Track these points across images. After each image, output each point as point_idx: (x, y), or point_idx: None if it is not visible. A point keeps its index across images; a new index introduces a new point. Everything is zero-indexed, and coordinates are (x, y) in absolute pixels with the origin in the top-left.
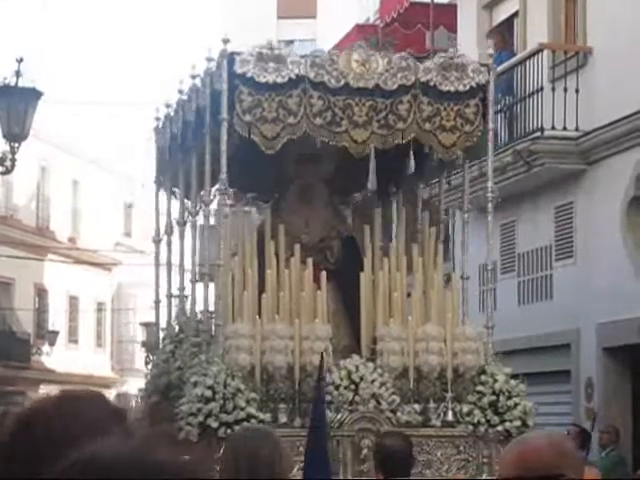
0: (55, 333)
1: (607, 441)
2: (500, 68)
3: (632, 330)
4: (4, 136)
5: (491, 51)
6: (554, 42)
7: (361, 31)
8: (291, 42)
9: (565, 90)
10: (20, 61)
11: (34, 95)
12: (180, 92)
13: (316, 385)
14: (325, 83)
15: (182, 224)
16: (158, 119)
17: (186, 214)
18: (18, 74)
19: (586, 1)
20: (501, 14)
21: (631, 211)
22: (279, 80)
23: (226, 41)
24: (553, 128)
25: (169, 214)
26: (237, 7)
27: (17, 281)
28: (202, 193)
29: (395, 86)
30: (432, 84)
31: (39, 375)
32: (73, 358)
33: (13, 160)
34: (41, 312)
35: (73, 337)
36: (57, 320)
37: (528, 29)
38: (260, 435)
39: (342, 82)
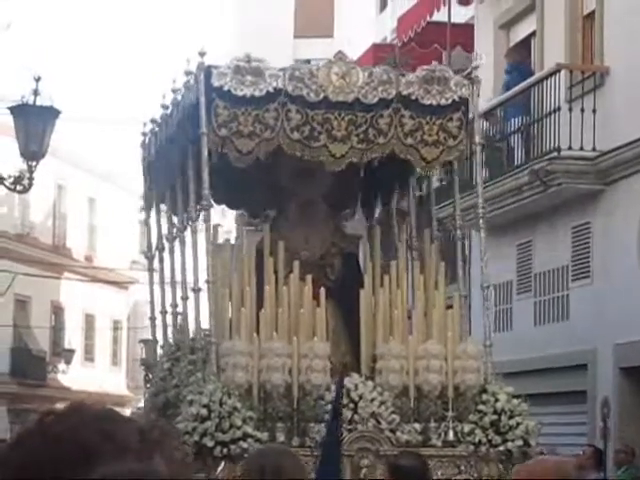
0: (71, 351)
1: (623, 460)
2: (517, 88)
3: None
4: (22, 154)
5: (476, 62)
6: (571, 62)
7: (378, 50)
8: (308, 61)
9: (582, 110)
10: (38, 80)
11: (52, 114)
12: (163, 107)
13: (334, 404)
14: (304, 97)
15: (171, 240)
16: (145, 134)
17: (174, 230)
18: (36, 93)
19: (603, 21)
20: (518, 34)
21: None
22: (256, 93)
23: (203, 54)
24: (570, 148)
25: (159, 230)
26: (254, 27)
27: (34, 299)
28: (188, 209)
29: (375, 100)
30: (414, 97)
31: (55, 393)
32: (89, 376)
33: (31, 179)
34: (57, 330)
35: (89, 355)
36: (73, 338)
37: (545, 49)
38: (281, 450)
39: (321, 96)
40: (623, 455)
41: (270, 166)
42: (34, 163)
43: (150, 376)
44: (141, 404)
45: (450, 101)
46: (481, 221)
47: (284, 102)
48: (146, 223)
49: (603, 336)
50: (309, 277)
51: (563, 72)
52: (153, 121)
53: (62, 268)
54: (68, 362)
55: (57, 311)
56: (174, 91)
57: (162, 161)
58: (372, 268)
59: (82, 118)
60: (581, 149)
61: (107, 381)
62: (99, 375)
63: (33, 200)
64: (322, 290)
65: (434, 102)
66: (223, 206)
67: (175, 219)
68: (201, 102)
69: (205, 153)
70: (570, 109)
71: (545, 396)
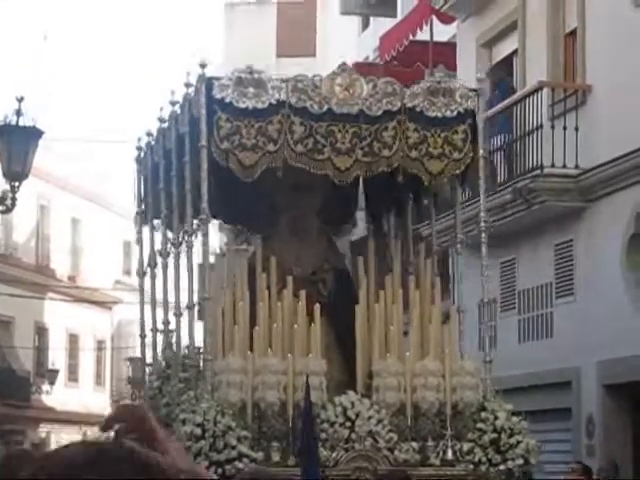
0: (55, 372)
1: (606, 477)
2: (500, 106)
3: (632, 368)
4: (4, 175)
5: (481, 75)
6: (553, 80)
7: (360, 69)
8: None
9: (565, 128)
10: (21, 100)
11: (35, 134)
12: (160, 120)
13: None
14: (307, 108)
15: (165, 256)
16: (140, 149)
17: (169, 246)
18: (19, 113)
19: (585, 39)
20: (500, 52)
21: (631, 249)
22: (259, 106)
23: (204, 65)
24: (553, 166)
25: (152, 246)
26: (236, 46)
27: (17, 319)
28: (184, 224)
29: (380, 112)
30: (419, 110)
31: (39, 414)
32: (73, 396)
33: (14, 199)
34: (41, 350)
35: (73, 375)
36: (57, 358)
37: (527, 67)
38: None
39: (325, 107)
40: (604, 473)
41: (262, 180)
42: (17, 183)
43: (137, 394)
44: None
45: (455, 113)
46: (483, 235)
47: (287, 114)
48: (138, 239)
49: (587, 353)
50: (303, 293)
51: (545, 90)
52: (149, 134)
53: (45, 288)
54: (52, 382)
55: (41, 331)
56: (172, 104)
57: (158, 175)
58: (367, 283)
59: (64, 138)
60: (564, 167)
61: (91, 401)
62: (83, 395)
63: (16, 220)
64: (317, 306)
65: (439, 114)
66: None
67: (170, 234)
68: (202, 114)
69: (204, 166)
70: (552, 127)
71: (530, 414)
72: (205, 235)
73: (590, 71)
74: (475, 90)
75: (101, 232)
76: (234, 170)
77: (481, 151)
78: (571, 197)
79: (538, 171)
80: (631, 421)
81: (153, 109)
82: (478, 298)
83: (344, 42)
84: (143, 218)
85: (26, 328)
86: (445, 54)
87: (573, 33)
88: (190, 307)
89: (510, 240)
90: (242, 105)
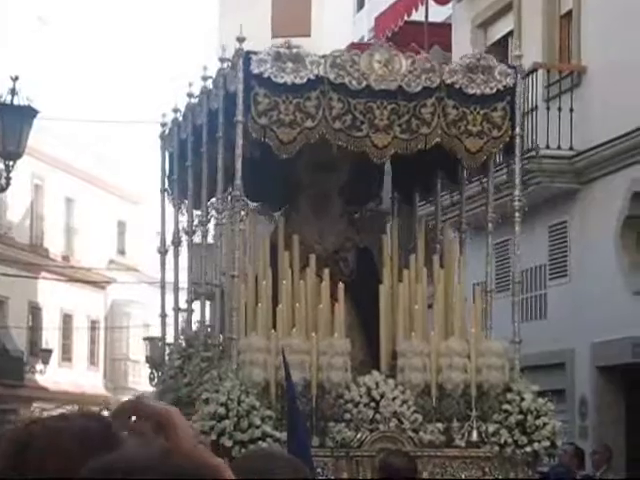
0: (49, 351)
1: (600, 462)
2: None
3: (626, 349)
4: None
5: (519, 52)
6: (548, 61)
7: (356, 49)
8: None
9: (559, 109)
10: (15, 79)
11: (30, 113)
12: (189, 96)
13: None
14: (346, 85)
15: (191, 234)
16: (164, 125)
17: (195, 223)
18: (13, 92)
19: (580, 20)
20: (496, 33)
21: (625, 230)
22: (297, 81)
23: (241, 40)
24: (547, 147)
25: (176, 224)
26: (232, 25)
27: (11, 299)
28: (213, 201)
29: (419, 88)
30: (457, 86)
31: (32, 393)
32: (66, 376)
33: (8, 179)
34: (35, 330)
35: (66, 355)
36: (50, 338)
37: (523, 48)
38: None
39: (363, 84)
40: (597, 456)
41: (286, 158)
42: (11, 163)
43: (156, 374)
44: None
45: (494, 90)
46: (517, 214)
47: (326, 90)
48: (162, 216)
49: (581, 335)
50: (327, 272)
51: (540, 71)
52: (175, 110)
53: (39, 268)
54: (46, 362)
55: (34, 311)
56: (204, 79)
57: (185, 152)
58: (391, 262)
59: (59, 117)
60: (558, 148)
61: (84, 381)
62: (76, 375)
63: (10, 200)
64: (340, 285)
65: (478, 91)
66: None
67: (195, 213)
68: (239, 89)
69: (240, 142)
70: (547, 108)
71: None
72: (237, 212)
73: (585, 52)
74: (514, 67)
75: (95, 212)
76: (272, 146)
77: (518, 129)
78: (565, 178)
79: (533, 153)
80: (624, 403)
81: (149, 90)
82: (475, 280)
83: (339, 23)
84: (167, 196)
85: (20, 308)
86: (440, 35)
87: (568, 14)
88: (217, 286)
89: (504, 221)
90: (280, 80)
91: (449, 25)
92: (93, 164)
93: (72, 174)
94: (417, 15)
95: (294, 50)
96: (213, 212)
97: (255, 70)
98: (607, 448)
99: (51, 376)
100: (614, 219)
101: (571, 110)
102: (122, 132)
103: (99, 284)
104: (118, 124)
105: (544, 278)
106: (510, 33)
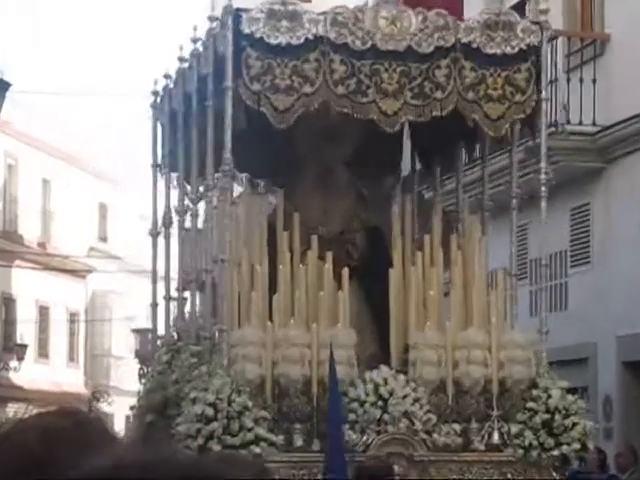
0: (24, 346)
1: (625, 464)
2: None
3: None
4: None
5: (544, 6)
6: (569, 29)
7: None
8: None
9: (581, 81)
10: None
11: (1, 87)
12: (180, 60)
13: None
14: (348, 45)
15: (182, 213)
16: (156, 93)
17: (186, 202)
18: None
19: None
20: None
21: None
22: (294, 41)
23: None
24: (568, 122)
25: (167, 203)
26: None
27: None
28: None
29: (431, 48)
30: (475, 46)
31: (6, 393)
32: (43, 374)
33: None
34: (8, 323)
35: (43, 350)
36: (26, 332)
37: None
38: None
39: (369, 44)
40: (621, 459)
41: (283, 128)
42: None
43: (145, 370)
44: (105, 406)
45: (517, 50)
46: (543, 188)
47: (326, 51)
48: (154, 194)
49: (605, 327)
50: (329, 255)
51: (560, 40)
52: (167, 77)
53: (13, 255)
54: (20, 358)
55: (8, 302)
56: (194, 41)
57: (176, 122)
58: (402, 243)
59: (35, 91)
60: (580, 124)
61: (63, 379)
62: (54, 372)
63: None
64: (345, 270)
65: (498, 51)
66: None
67: (188, 189)
68: (228, 52)
69: (229, 110)
70: (568, 80)
71: None
72: (227, 189)
73: (609, 19)
74: (539, 23)
75: (74, 194)
76: (267, 115)
77: (543, 93)
78: (588, 157)
79: (552, 128)
80: None
81: (138, 62)
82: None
83: None
84: (159, 171)
85: None
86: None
87: None
88: (209, 271)
89: (521, 204)
90: (274, 41)
91: None
92: (72, 142)
93: (49, 153)
94: None
95: (290, 7)
96: (201, 189)
97: (246, 30)
98: (632, 450)
99: (26, 374)
100: None
101: (594, 81)
102: (103, 105)
103: (78, 273)
104: (99, 98)
105: (565, 265)
106: None
